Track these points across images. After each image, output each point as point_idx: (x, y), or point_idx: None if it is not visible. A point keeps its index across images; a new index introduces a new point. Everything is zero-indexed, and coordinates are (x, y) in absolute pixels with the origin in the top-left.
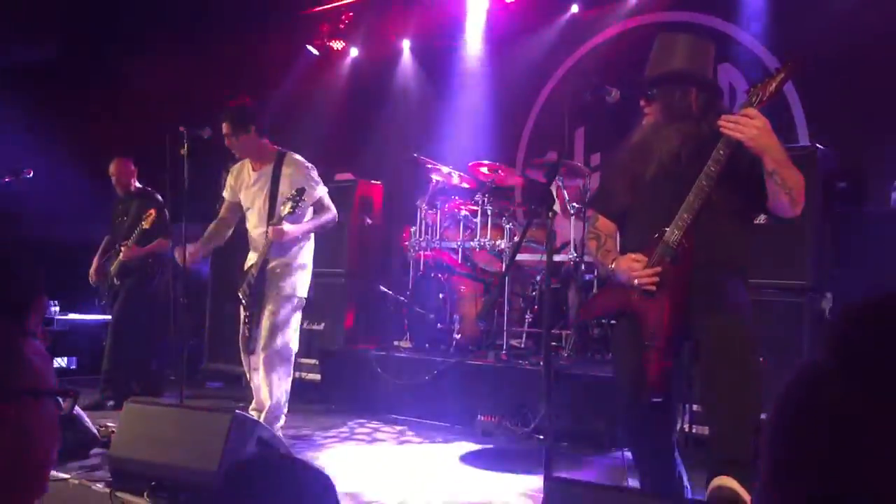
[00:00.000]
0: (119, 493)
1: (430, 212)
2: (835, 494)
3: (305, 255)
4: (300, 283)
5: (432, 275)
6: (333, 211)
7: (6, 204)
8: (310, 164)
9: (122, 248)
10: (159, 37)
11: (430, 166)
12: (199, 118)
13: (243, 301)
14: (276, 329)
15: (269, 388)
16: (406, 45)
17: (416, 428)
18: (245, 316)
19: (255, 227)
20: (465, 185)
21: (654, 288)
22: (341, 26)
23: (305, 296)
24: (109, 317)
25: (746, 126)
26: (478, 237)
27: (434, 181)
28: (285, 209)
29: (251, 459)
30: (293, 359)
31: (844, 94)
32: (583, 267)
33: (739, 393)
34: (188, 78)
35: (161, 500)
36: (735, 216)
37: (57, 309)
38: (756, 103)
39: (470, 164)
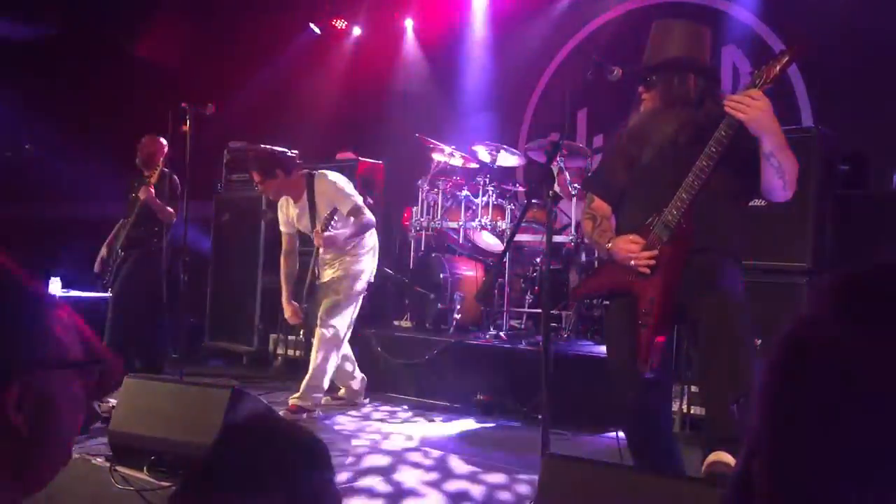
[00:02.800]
0: (119, 468)
1: (431, 192)
2: (836, 437)
3: (363, 254)
4: (358, 276)
5: (433, 255)
6: (367, 215)
7: (6, 179)
8: (337, 179)
9: (124, 226)
10: (161, 12)
11: (431, 146)
12: (202, 94)
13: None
14: (332, 311)
15: (314, 362)
16: (409, 24)
17: (415, 407)
18: (304, 307)
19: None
20: (467, 166)
21: (648, 271)
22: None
23: (361, 289)
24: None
25: (749, 106)
26: (479, 218)
27: (436, 161)
28: (322, 224)
29: (242, 423)
30: (342, 344)
31: (848, 77)
32: (583, 248)
33: (733, 373)
34: (190, 54)
35: (160, 475)
36: (731, 199)
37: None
38: (760, 85)
39: (472, 144)
